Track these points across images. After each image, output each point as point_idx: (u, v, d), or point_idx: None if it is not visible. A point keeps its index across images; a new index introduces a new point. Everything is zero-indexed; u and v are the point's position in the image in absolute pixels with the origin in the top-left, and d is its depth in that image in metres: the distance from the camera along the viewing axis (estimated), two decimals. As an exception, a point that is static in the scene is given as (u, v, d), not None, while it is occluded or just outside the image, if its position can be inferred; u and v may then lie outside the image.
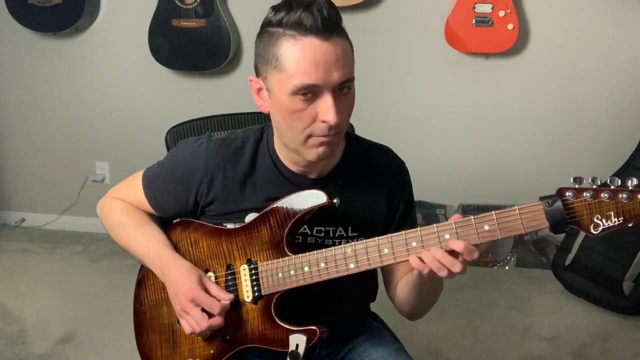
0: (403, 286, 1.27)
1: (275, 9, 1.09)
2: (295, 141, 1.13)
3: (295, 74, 1.06)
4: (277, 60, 1.07)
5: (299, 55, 1.05)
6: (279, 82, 1.09)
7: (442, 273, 1.04)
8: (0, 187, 3.54)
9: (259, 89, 1.17)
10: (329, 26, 1.05)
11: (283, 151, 1.22)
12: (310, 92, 1.07)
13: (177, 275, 1.20)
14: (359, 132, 1.56)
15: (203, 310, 1.17)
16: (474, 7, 2.77)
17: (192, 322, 1.17)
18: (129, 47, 3.17)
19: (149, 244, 1.26)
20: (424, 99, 3.07)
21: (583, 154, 2.99)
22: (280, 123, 1.15)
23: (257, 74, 1.16)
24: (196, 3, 2.89)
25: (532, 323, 2.60)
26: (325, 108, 1.07)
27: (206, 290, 1.18)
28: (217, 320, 1.17)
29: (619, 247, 2.65)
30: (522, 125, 3.03)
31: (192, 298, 1.17)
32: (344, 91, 1.10)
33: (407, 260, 1.07)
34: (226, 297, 1.17)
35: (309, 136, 1.11)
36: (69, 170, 3.42)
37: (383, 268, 1.31)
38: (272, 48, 1.08)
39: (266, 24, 1.11)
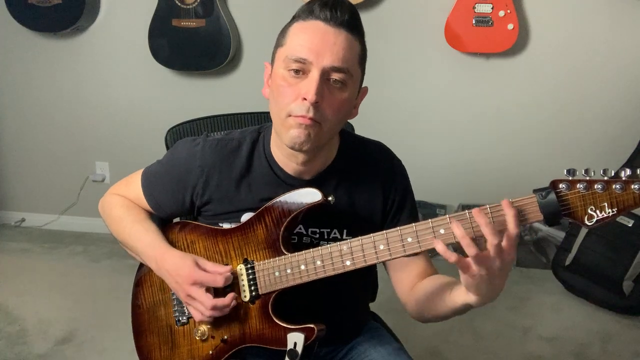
0: (435, 288, 1.17)
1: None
2: (278, 120, 1.14)
3: (292, 46, 1.12)
4: (284, 37, 1.15)
5: (301, 31, 1.12)
6: (279, 57, 1.14)
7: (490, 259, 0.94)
8: (0, 187, 3.54)
9: (269, 75, 1.19)
10: (339, 18, 1.11)
11: (278, 152, 1.23)
12: (300, 70, 1.10)
13: (172, 264, 1.20)
14: (358, 132, 1.56)
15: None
16: (474, 7, 2.76)
17: (200, 306, 1.17)
18: (129, 47, 3.17)
19: (146, 238, 1.27)
20: (424, 99, 3.07)
21: (583, 154, 2.99)
22: (271, 104, 1.17)
23: (272, 60, 1.19)
24: (196, 3, 2.89)
25: (532, 323, 2.60)
26: (308, 84, 1.09)
27: (204, 270, 1.18)
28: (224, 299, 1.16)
29: (619, 247, 2.65)
30: (522, 125, 3.02)
31: (193, 280, 1.17)
32: (335, 84, 1.11)
33: (401, 256, 1.05)
34: (225, 269, 1.17)
35: (289, 115, 1.11)
36: (69, 170, 3.42)
37: (391, 269, 1.29)
38: (285, 30, 1.16)
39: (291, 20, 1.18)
